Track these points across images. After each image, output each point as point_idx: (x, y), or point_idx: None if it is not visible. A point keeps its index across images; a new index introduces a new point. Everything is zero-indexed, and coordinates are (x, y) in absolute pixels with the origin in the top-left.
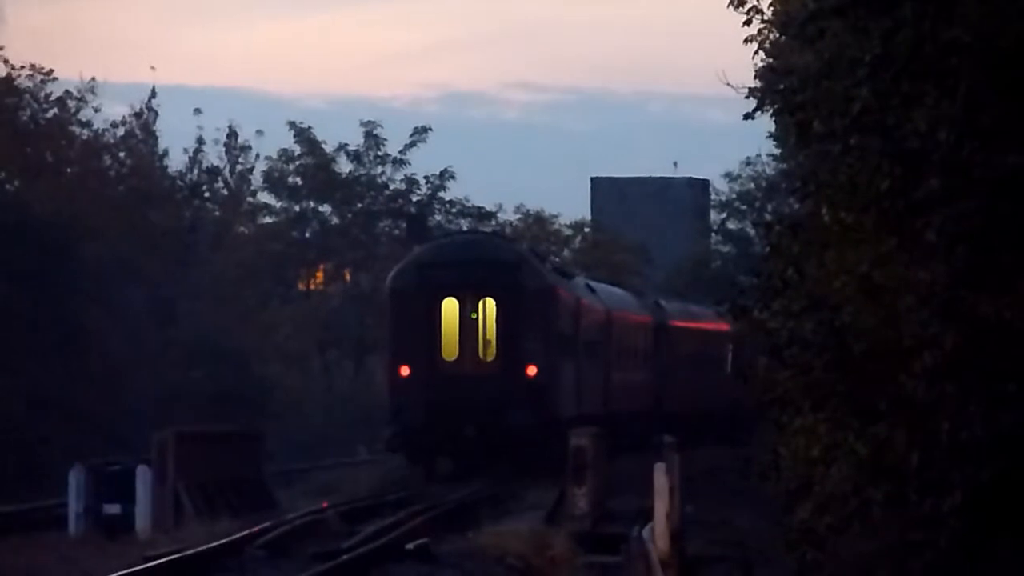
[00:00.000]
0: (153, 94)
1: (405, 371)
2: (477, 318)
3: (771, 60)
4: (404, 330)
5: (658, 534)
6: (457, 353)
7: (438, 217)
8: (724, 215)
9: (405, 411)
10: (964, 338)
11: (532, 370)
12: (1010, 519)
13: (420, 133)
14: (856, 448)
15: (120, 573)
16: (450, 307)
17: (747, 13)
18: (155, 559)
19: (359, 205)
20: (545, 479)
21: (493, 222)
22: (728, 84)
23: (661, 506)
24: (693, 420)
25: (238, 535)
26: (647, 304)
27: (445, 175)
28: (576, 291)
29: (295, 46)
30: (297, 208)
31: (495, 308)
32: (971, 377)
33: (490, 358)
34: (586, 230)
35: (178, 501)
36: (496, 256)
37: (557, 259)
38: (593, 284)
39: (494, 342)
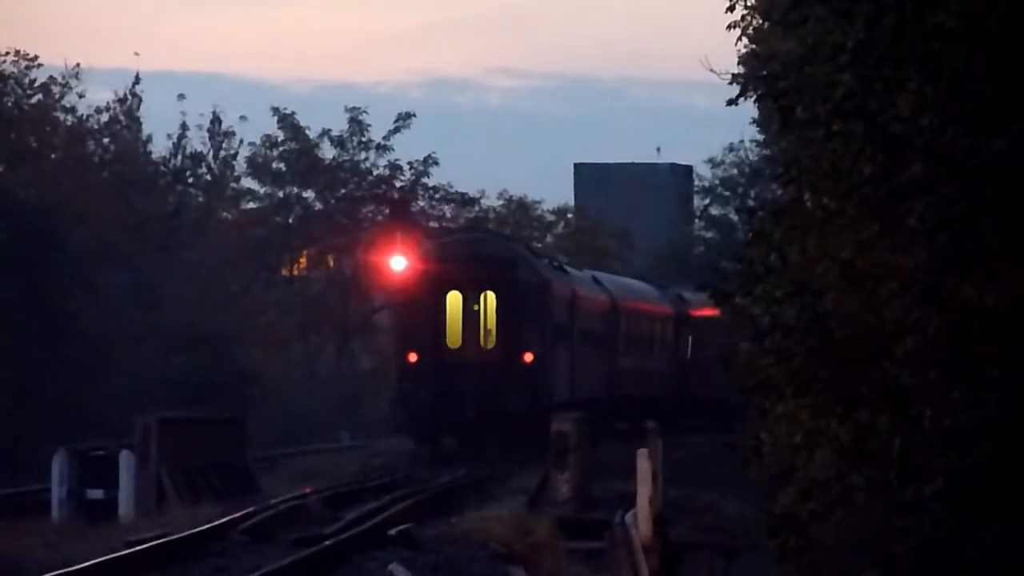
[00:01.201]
0: (137, 80)
1: (413, 357)
2: (479, 309)
3: (754, 46)
4: (412, 320)
5: (641, 520)
6: (460, 341)
7: (421, 203)
8: (707, 201)
9: (413, 394)
10: (947, 324)
11: (528, 357)
12: (993, 505)
13: (404, 119)
14: (839, 434)
15: (102, 558)
16: (454, 299)
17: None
18: (137, 544)
19: (343, 191)
20: (532, 463)
21: (476, 208)
22: (711, 70)
23: (644, 492)
24: (718, 405)
25: (221, 520)
26: (668, 296)
27: (429, 161)
28: (573, 284)
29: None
30: (281, 194)
31: (495, 300)
32: (954, 363)
33: (490, 346)
34: (569, 216)
35: (161, 486)
36: (496, 253)
37: (539, 245)
38: (601, 276)
39: (494, 331)
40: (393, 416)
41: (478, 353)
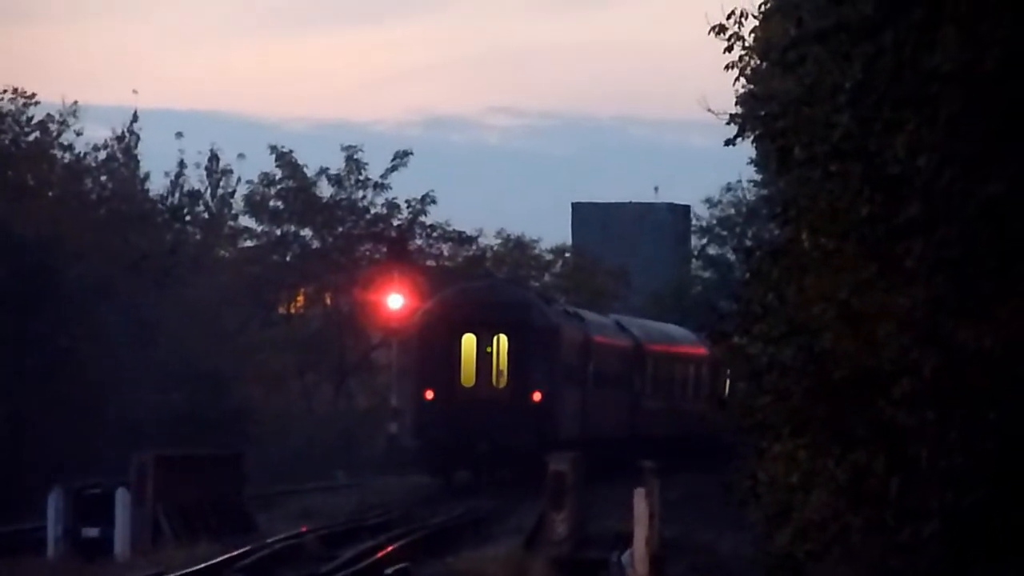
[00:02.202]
0: (135, 118)
1: (430, 395)
2: (491, 351)
3: (752, 86)
4: (429, 359)
5: (637, 559)
6: (474, 380)
7: (419, 241)
8: (705, 240)
9: (429, 428)
10: (944, 364)
11: (537, 396)
12: (989, 546)
13: (401, 157)
14: (836, 474)
15: None
16: (469, 341)
17: (728, 40)
18: None
19: (340, 229)
20: (529, 500)
21: (474, 247)
22: (709, 110)
23: (640, 531)
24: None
25: (217, 559)
26: (703, 339)
27: (426, 199)
28: (588, 329)
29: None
30: (278, 232)
31: (507, 343)
32: (951, 404)
33: (502, 385)
34: (567, 255)
35: (157, 524)
36: (508, 299)
37: (537, 284)
38: (627, 321)
39: (505, 372)
40: (388, 455)
41: (490, 392)
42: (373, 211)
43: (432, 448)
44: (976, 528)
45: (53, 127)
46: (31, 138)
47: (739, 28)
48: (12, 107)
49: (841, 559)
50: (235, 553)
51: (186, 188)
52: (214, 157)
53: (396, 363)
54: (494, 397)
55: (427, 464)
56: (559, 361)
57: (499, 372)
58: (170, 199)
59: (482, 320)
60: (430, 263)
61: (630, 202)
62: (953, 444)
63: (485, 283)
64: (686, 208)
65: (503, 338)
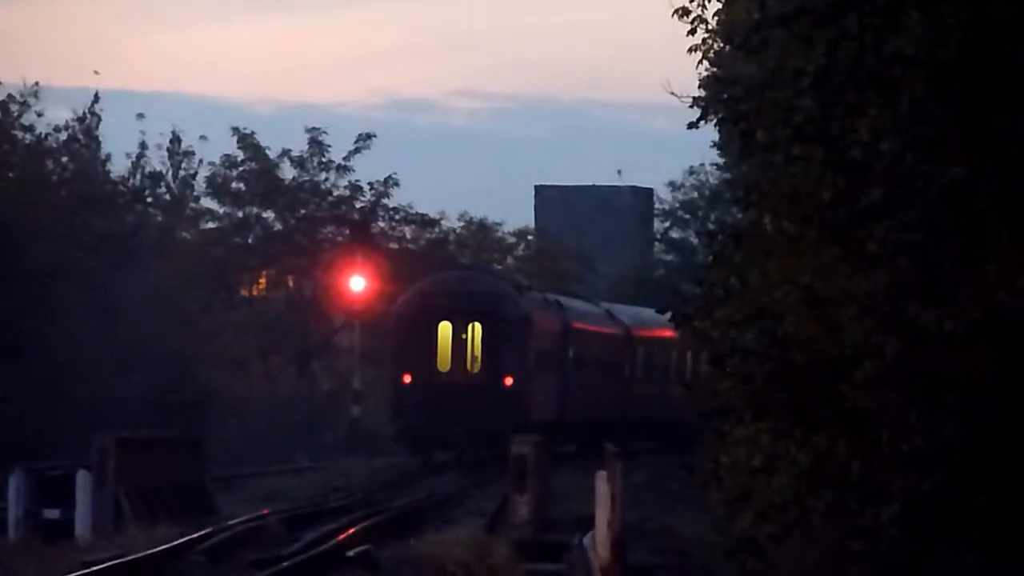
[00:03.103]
0: (96, 99)
1: (407, 379)
2: (466, 338)
3: (715, 70)
4: (407, 346)
5: (599, 542)
6: (450, 365)
7: (381, 224)
8: (668, 224)
9: (406, 411)
10: (906, 348)
11: (509, 381)
12: (949, 529)
13: (364, 140)
14: (797, 457)
15: None
16: (445, 328)
17: (692, 23)
18: (94, 564)
19: (302, 211)
20: (492, 484)
21: (436, 229)
22: (672, 93)
23: (602, 514)
24: None
25: (178, 541)
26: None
27: (389, 182)
28: (569, 317)
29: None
30: (240, 214)
31: (480, 330)
32: (912, 387)
33: (476, 370)
34: (529, 238)
35: (118, 506)
36: (483, 289)
37: (499, 267)
38: (619, 309)
39: (479, 357)
40: (350, 438)
41: (465, 376)
42: (336, 193)
43: (410, 429)
44: (936, 511)
45: (14, 108)
46: None
47: (702, 11)
48: None
49: (802, 542)
50: (196, 535)
51: (148, 170)
52: (176, 139)
53: (359, 346)
54: (468, 382)
55: (405, 444)
56: (531, 348)
57: (473, 358)
58: (132, 181)
59: (458, 309)
60: (393, 246)
61: (593, 185)
62: (914, 427)
63: (461, 273)
64: (649, 191)
65: (477, 326)
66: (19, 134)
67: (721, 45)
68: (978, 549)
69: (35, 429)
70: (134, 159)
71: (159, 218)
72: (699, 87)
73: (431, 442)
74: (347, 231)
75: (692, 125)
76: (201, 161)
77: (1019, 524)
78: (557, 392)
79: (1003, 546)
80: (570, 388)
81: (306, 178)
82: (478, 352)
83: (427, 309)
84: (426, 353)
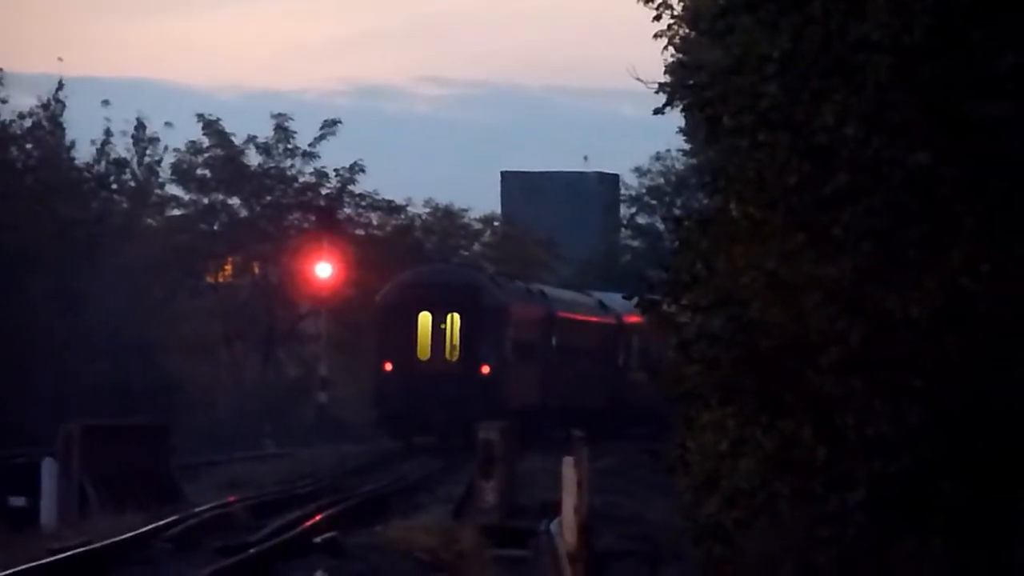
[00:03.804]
0: (60, 86)
1: (388, 366)
2: (445, 328)
3: (681, 56)
4: (389, 335)
5: (566, 528)
6: (429, 354)
7: (348, 210)
8: (634, 209)
9: (388, 398)
10: (871, 333)
11: (485, 369)
12: (915, 514)
13: (330, 126)
14: (763, 442)
15: (24, 567)
16: (425, 318)
17: (657, 8)
18: (60, 552)
19: (268, 198)
20: (459, 470)
21: (402, 215)
22: (638, 79)
23: (569, 500)
24: None
25: (144, 528)
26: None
27: (355, 168)
28: (553, 307)
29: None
30: (206, 200)
31: (459, 320)
32: (877, 372)
33: (454, 359)
34: (496, 224)
35: (84, 494)
36: (461, 281)
37: (466, 253)
38: (611, 298)
39: (458, 347)
40: (317, 425)
41: (444, 365)
42: (302, 180)
43: (391, 415)
44: (902, 496)
45: None
46: None
47: None
48: None
49: (768, 527)
50: (162, 523)
51: (112, 156)
52: (141, 125)
53: (325, 333)
54: (447, 370)
55: (387, 429)
56: (508, 337)
57: (452, 347)
58: (96, 167)
59: (437, 300)
60: (359, 232)
61: (559, 171)
62: (880, 413)
63: (442, 266)
64: (615, 177)
65: (456, 316)
66: None
67: (687, 31)
68: (943, 534)
69: (0, 417)
70: (99, 146)
71: (124, 205)
72: (665, 73)
73: (411, 427)
74: (313, 217)
75: (658, 111)
76: (166, 148)
77: (984, 509)
78: (539, 380)
79: (968, 531)
80: (555, 376)
81: (272, 164)
82: (456, 341)
83: (408, 300)
84: (407, 342)
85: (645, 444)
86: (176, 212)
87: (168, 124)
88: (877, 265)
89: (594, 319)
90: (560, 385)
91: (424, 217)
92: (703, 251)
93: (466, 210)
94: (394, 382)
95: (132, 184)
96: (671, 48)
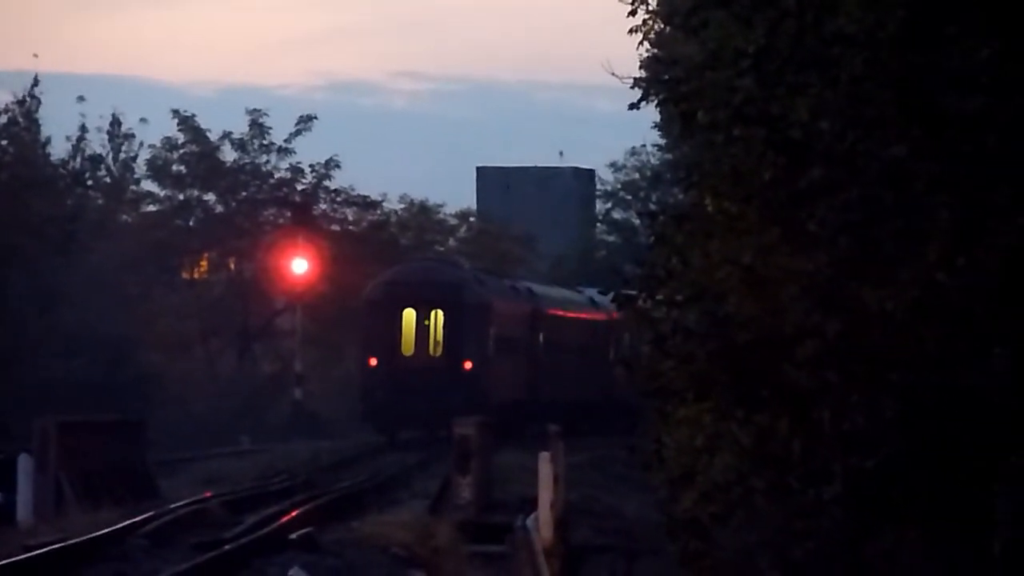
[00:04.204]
0: (36, 82)
1: (373, 362)
2: (429, 324)
3: (656, 50)
4: (374, 331)
5: (542, 523)
6: (413, 350)
7: (323, 206)
8: (609, 204)
9: (373, 392)
10: (846, 327)
11: (468, 364)
12: (891, 508)
13: (306, 122)
14: (739, 437)
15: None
16: (409, 315)
17: (632, 3)
18: (36, 548)
19: (244, 193)
20: (434, 465)
21: (378, 211)
22: (614, 74)
23: (545, 495)
24: None
25: (120, 524)
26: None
27: (330, 164)
28: (539, 303)
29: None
30: (181, 196)
31: (442, 317)
32: (853, 366)
33: (437, 354)
34: (472, 219)
35: (60, 490)
36: (445, 278)
37: (442, 248)
38: (600, 295)
39: (441, 343)
40: (292, 420)
41: (427, 360)
42: (277, 176)
43: (376, 409)
44: (878, 490)
45: None
46: None
47: None
48: None
49: (744, 522)
50: (138, 519)
51: (88, 152)
52: (116, 121)
53: (300, 328)
54: (430, 365)
55: (372, 423)
56: (491, 333)
57: (436, 343)
58: (72, 164)
59: (421, 297)
60: (334, 228)
61: (535, 166)
62: (855, 406)
63: (426, 264)
64: (591, 172)
65: (439, 312)
66: None
67: (661, 26)
68: (920, 527)
69: None
70: (74, 142)
71: (100, 201)
72: (640, 68)
73: (395, 421)
74: (288, 213)
75: (633, 106)
76: (142, 144)
77: (960, 501)
78: (525, 375)
79: (945, 523)
80: (543, 371)
81: (247, 160)
82: (440, 337)
83: (393, 297)
84: (391, 338)
85: (629, 439)
86: (151, 208)
87: (143, 120)
88: (853, 259)
89: (584, 315)
90: (549, 380)
91: (399, 213)
92: (678, 246)
93: (441, 205)
94: (379, 377)
95: (107, 180)
96: (646, 43)
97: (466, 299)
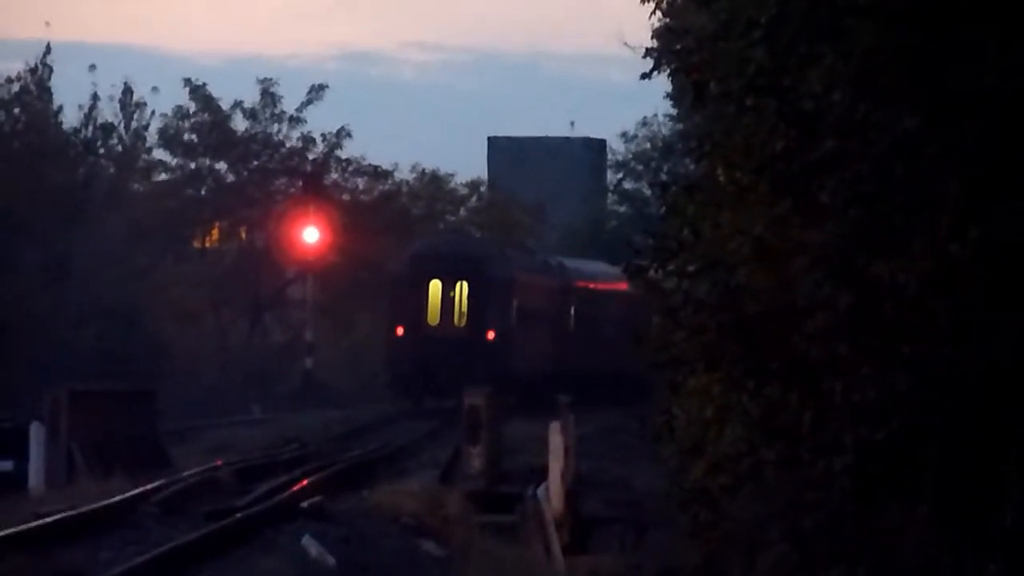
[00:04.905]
0: (48, 50)
1: (400, 331)
2: (454, 296)
3: (668, 20)
4: (401, 301)
5: (552, 494)
6: (439, 320)
7: (334, 175)
8: (620, 175)
9: (398, 360)
10: (857, 300)
11: (491, 335)
12: (902, 479)
13: (317, 91)
14: (749, 408)
15: (11, 530)
16: (435, 287)
17: None
18: (47, 516)
19: (255, 163)
20: (445, 435)
21: (389, 181)
22: (625, 44)
23: (555, 465)
24: None
25: (131, 493)
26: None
27: (342, 133)
28: (569, 276)
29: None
30: (192, 165)
31: (467, 288)
32: (864, 338)
33: (462, 325)
34: (482, 189)
35: (71, 459)
36: (470, 252)
37: (452, 218)
38: None
39: (465, 313)
40: (303, 390)
41: (452, 330)
42: (288, 145)
43: (400, 377)
44: (888, 462)
45: None
46: None
47: None
48: None
49: (754, 493)
50: (149, 487)
51: (99, 121)
52: (128, 90)
53: (311, 298)
54: (455, 335)
55: (397, 390)
56: (514, 305)
57: (460, 314)
58: (84, 132)
59: (447, 269)
60: (345, 197)
61: (546, 136)
62: (866, 379)
63: (452, 237)
64: (602, 142)
65: (464, 284)
66: None
67: None
68: (930, 500)
69: None
70: (86, 111)
71: (111, 170)
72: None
73: (420, 389)
74: (300, 183)
75: (645, 76)
76: (153, 112)
77: (970, 475)
78: (550, 346)
79: (955, 496)
80: (571, 343)
81: (258, 130)
82: (464, 308)
83: (420, 269)
84: (418, 308)
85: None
86: (163, 177)
87: (155, 89)
88: (864, 231)
89: (620, 287)
90: (578, 352)
91: (410, 182)
92: (689, 217)
93: (452, 175)
94: (405, 346)
95: (119, 149)
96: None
97: (490, 272)
